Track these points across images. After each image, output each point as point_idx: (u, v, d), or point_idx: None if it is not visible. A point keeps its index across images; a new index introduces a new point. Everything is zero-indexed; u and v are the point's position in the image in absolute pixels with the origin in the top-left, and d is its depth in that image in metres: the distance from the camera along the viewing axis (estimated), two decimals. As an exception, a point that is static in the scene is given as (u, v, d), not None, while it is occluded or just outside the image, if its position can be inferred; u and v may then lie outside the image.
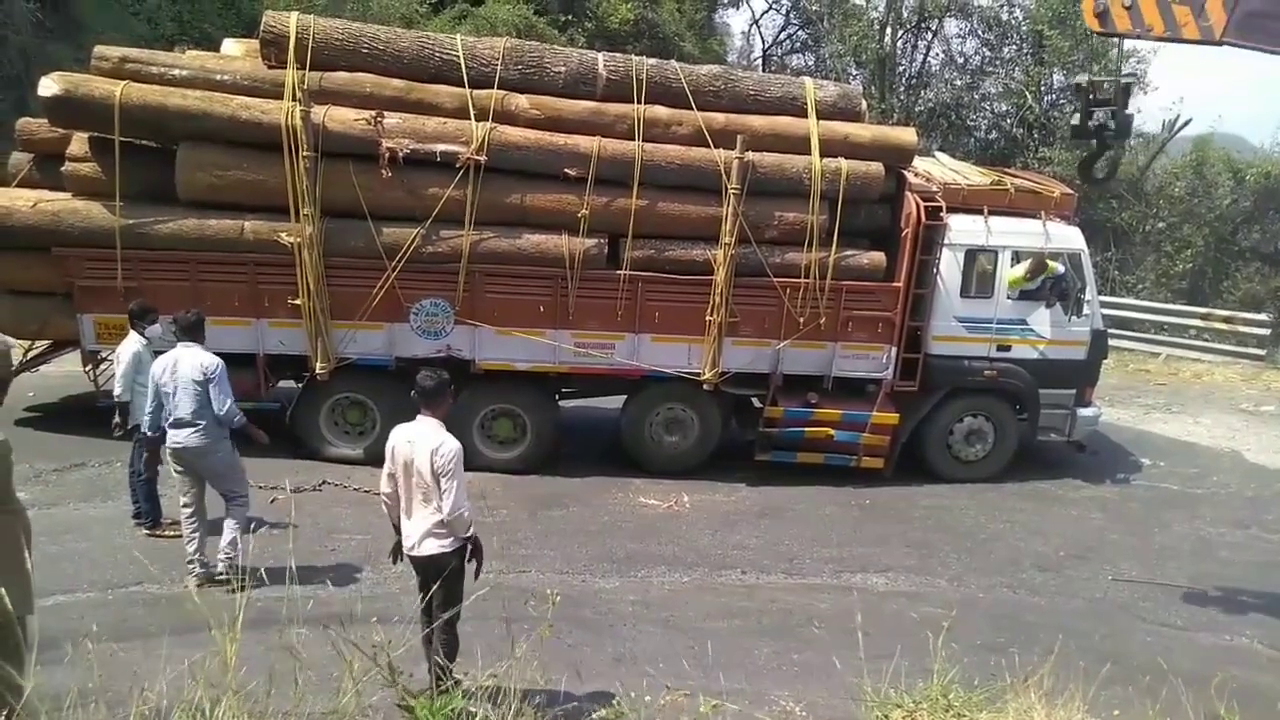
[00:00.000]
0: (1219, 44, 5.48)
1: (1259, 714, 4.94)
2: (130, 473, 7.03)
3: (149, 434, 6.32)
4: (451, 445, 4.63)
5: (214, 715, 3.56)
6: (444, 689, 4.54)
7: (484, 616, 4.72)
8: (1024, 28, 25.65)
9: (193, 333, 6.18)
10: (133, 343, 6.75)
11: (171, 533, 6.98)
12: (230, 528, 6.37)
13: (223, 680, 3.66)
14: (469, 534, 4.75)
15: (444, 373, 4.88)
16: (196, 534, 6.29)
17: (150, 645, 4.36)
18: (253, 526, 6.26)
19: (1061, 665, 4.70)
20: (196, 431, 6.06)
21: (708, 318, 8.73)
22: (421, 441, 4.66)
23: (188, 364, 6.04)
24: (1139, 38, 5.79)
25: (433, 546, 4.73)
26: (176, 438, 6.09)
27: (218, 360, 6.13)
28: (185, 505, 6.29)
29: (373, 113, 8.06)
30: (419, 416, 4.78)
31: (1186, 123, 21.37)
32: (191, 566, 6.27)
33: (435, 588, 4.69)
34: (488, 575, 6.62)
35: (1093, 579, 7.62)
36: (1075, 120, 6.50)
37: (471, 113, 8.36)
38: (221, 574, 6.19)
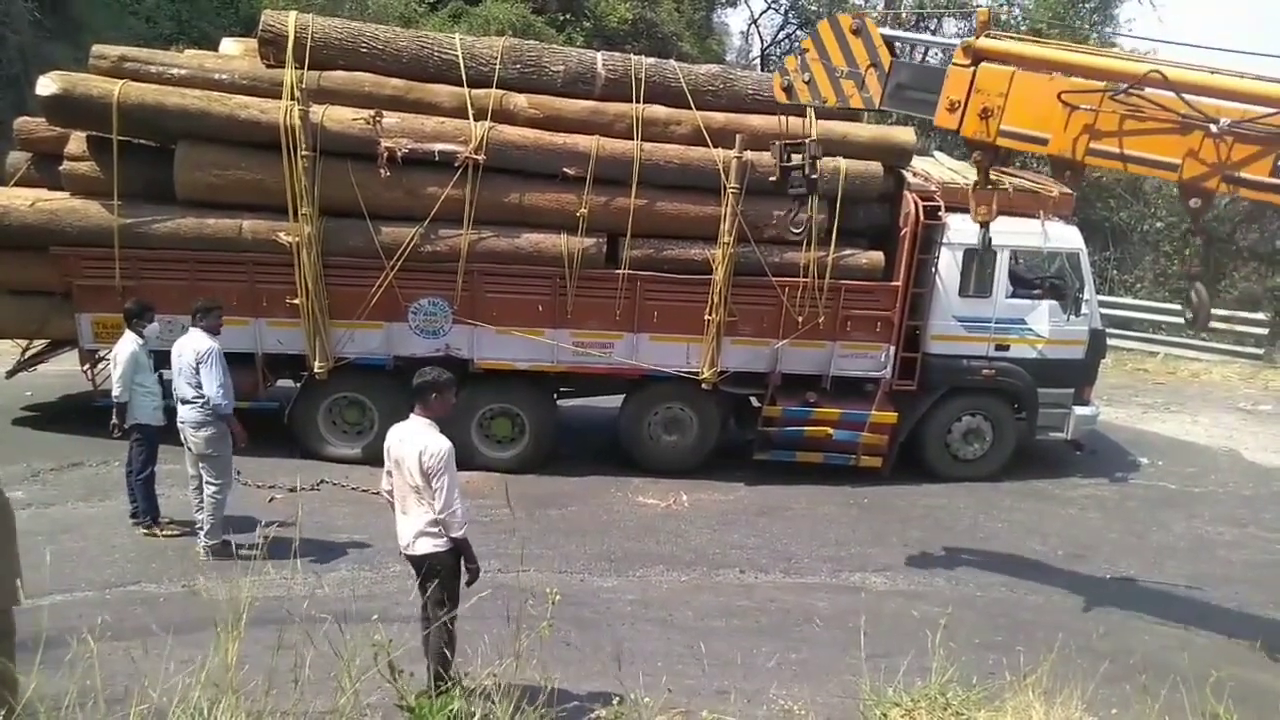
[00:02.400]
0: (879, 109, 6.61)
1: (1257, 713, 4.94)
2: (127, 472, 7.05)
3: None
4: (440, 445, 4.59)
5: (213, 714, 3.57)
6: (443, 689, 4.54)
7: (483, 616, 4.72)
8: (1023, 28, 25.64)
9: (198, 318, 6.68)
10: (129, 342, 6.78)
11: (168, 532, 7.00)
12: (207, 516, 6.67)
13: (222, 679, 3.66)
14: (460, 535, 4.69)
15: (438, 372, 4.81)
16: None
17: (149, 644, 4.35)
18: (258, 531, 6.31)
19: (1060, 664, 4.71)
20: (193, 409, 6.55)
21: (706, 317, 8.73)
22: (411, 441, 4.65)
23: (189, 348, 6.55)
24: (820, 107, 6.78)
25: (426, 545, 4.72)
26: (180, 415, 6.62)
27: (211, 345, 6.57)
28: (193, 477, 6.79)
29: (371, 112, 8.06)
30: (411, 415, 4.77)
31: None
32: (199, 532, 6.77)
33: (431, 587, 4.70)
34: (486, 575, 6.64)
35: (1091, 578, 7.62)
36: (773, 178, 7.26)
37: (470, 112, 8.37)
38: (208, 551, 6.68)
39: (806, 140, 7.07)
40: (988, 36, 5.95)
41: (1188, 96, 5.25)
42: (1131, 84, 5.37)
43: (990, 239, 7.00)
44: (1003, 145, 5.97)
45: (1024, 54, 5.83)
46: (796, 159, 7.11)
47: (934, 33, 27.00)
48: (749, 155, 8.46)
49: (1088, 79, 5.62)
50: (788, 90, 6.65)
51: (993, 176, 9.95)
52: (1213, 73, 5.34)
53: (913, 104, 6.31)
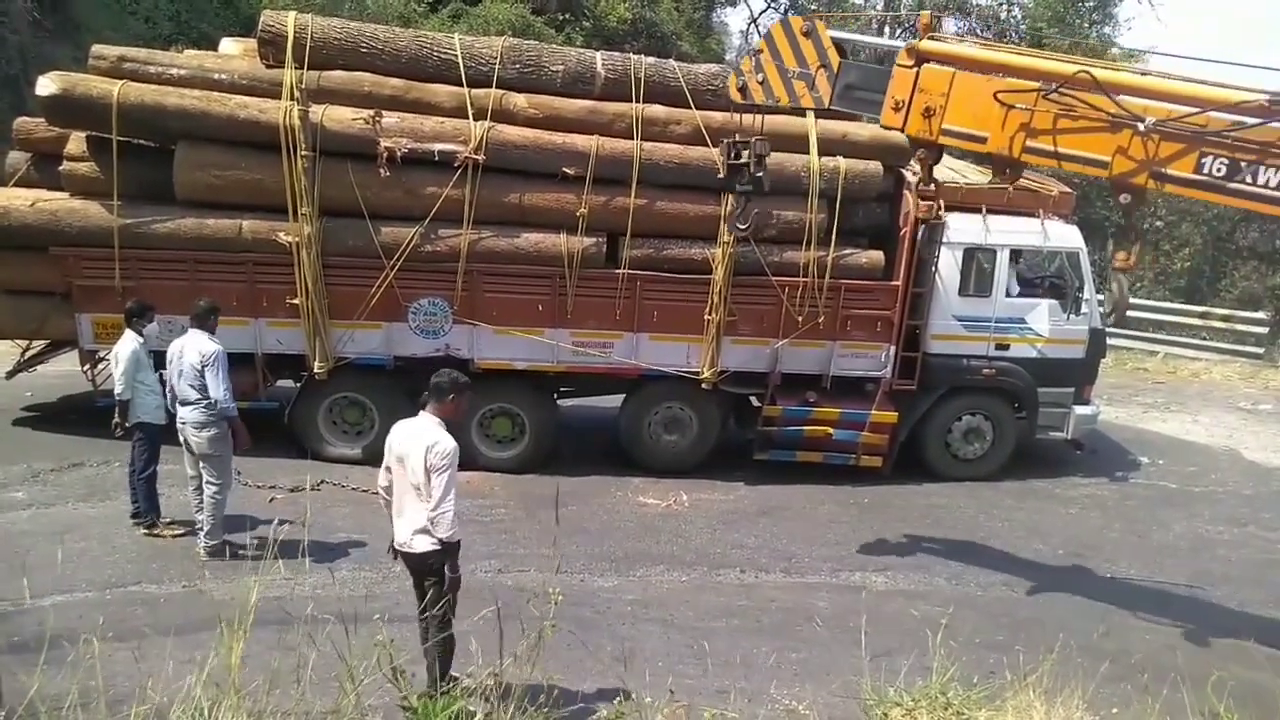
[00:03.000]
0: (829, 109, 6.78)
1: (1257, 712, 4.94)
2: (129, 472, 7.05)
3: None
4: (448, 444, 4.62)
5: (214, 715, 3.57)
6: (445, 690, 4.54)
7: (480, 615, 4.72)
8: (1023, 26, 25.69)
9: (199, 320, 6.64)
10: (130, 341, 6.80)
11: (170, 532, 7.00)
12: (207, 516, 6.66)
13: (223, 679, 3.66)
14: (446, 535, 4.65)
15: (459, 375, 4.87)
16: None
17: (150, 645, 4.35)
18: (271, 531, 6.31)
19: (1060, 663, 4.72)
20: (195, 409, 6.54)
21: (706, 316, 8.73)
22: (418, 438, 4.67)
23: (191, 349, 6.52)
24: (773, 106, 6.96)
25: (423, 544, 4.73)
26: (181, 415, 6.61)
27: (216, 348, 6.54)
28: (192, 477, 6.78)
29: (371, 112, 8.06)
30: (421, 413, 4.78)
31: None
32: (199, 532, 6.76)
33: (430, 588, 4.71)
34: (486, 575, 6.66)
35: (1091, 577, 7.63)
36: (721, 174, 7.42)
37: (470, 112, 8.36)
38: (208, 551, 6.67)
39: (753, 139, 7.22)
40: (930, 39, 6.15)
41: (1117, 96, 5.46)
42: (1061, 84, 5.56)
43: (929, 235, 7.14)
44: (945, 143, 6.17)
45: (963, 55, 6.09)
46: (745, 155, 7.26)
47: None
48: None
49: (1023, 79, 5.81)
50: (743, 90, 6.88)
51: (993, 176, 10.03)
52: (1143, 74, 5.63)
53: (861, 104, 6.51)
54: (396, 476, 4.79)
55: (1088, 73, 5.50)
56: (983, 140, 5.91)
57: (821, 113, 8.93)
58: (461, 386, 4.80)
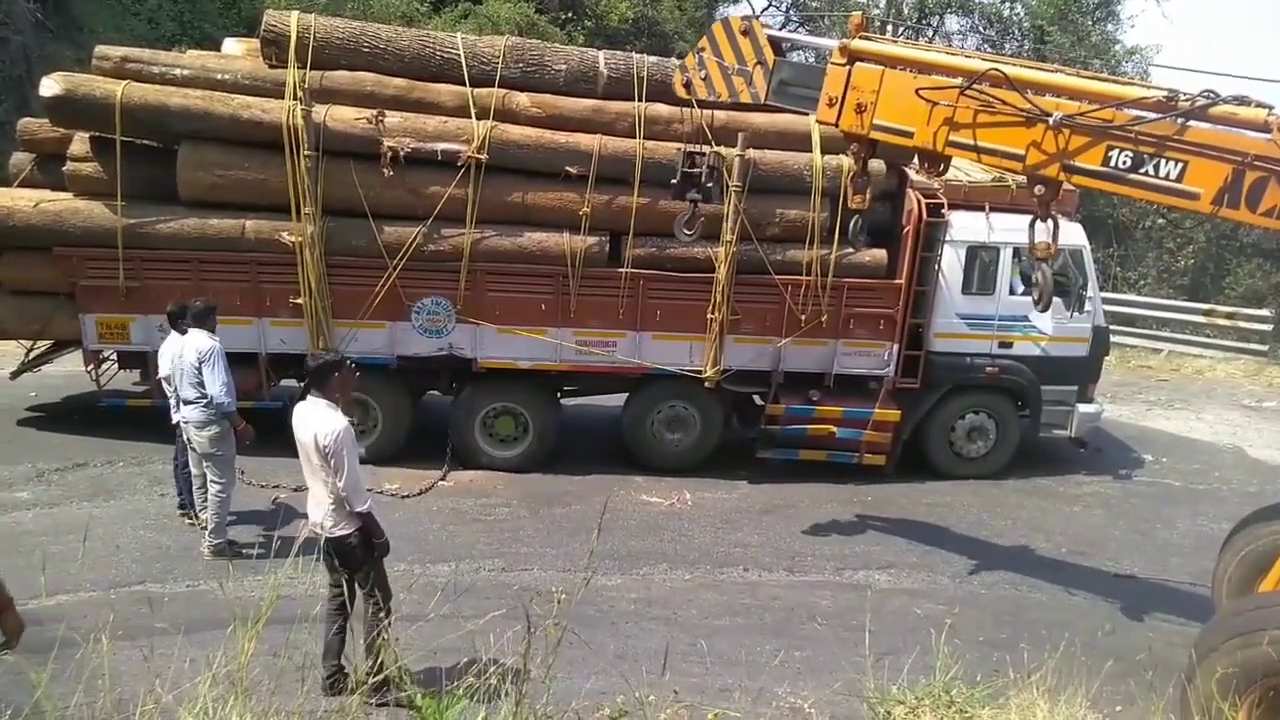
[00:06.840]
0: (765, 104, 6.95)
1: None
2: (175, 465, 7.16)
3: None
4: (335, 425, 4.69)
5: (218, 714, 3.57)
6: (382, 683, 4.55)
7: (484, 614, 4.72)
8: (1025, 24, 25.66)
9: (197, 319, 6.67)
10: (209, 339, 6.71)
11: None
12: (211, 515, 6.69)
13: (229, 678, 3.67)
14: (363, 509, 4.75)
15: (333, 353, 5.02)
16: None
17: (154, 645, 4.36)
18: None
19: (1064, 661, 4.71)
20: (196, 408, 6.58)
21: (709, 315, 8.72)
22: (307, 423, 4.76)
23: (190, 348, 6.57)
24: (715, 100, 7.15)
25: (332, 528, 4.80)
26: (183, 415, 6.68)
27: (212, 344, 6.57)
28: (196, 476, 6.90)
29: (374, 112, 8.07)
30: (309, 396, 4.86)
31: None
32: (204, 531, 6.80)
33: (358, 580, 4.79)
34: (489, 574, 6.66)
35: (1095, 575, 7.62)
36: (675, 179, 7.67)
37: (472, 111, 8.38)
38: (212, 550, 6.69)
39: (708, 150, 7.52)
40: (861, 38, 6.38)
41: (1029, 93, 5.69)
42: (974, 80, 5.77)
43: (864, 225, 7.35)
44: (875, 138, 6.36)
45: (891, 54, 6.30)
46: (699, 166, 7.52)
47: (936, 30, 27.05)
48: (751, 153, 8.45)
49: (945, 77, 6.03)
50: (687, 86, 7.10)
51: (996, 174, 10.02)
52: (1054, 72, 5.92)
53: (796, 99, 6.71)
54: (302, 460, 4.86)
55: (999, 70, 5.73)
56: (910, 135, 6.11)
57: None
58: (335, 364, 4.86)
